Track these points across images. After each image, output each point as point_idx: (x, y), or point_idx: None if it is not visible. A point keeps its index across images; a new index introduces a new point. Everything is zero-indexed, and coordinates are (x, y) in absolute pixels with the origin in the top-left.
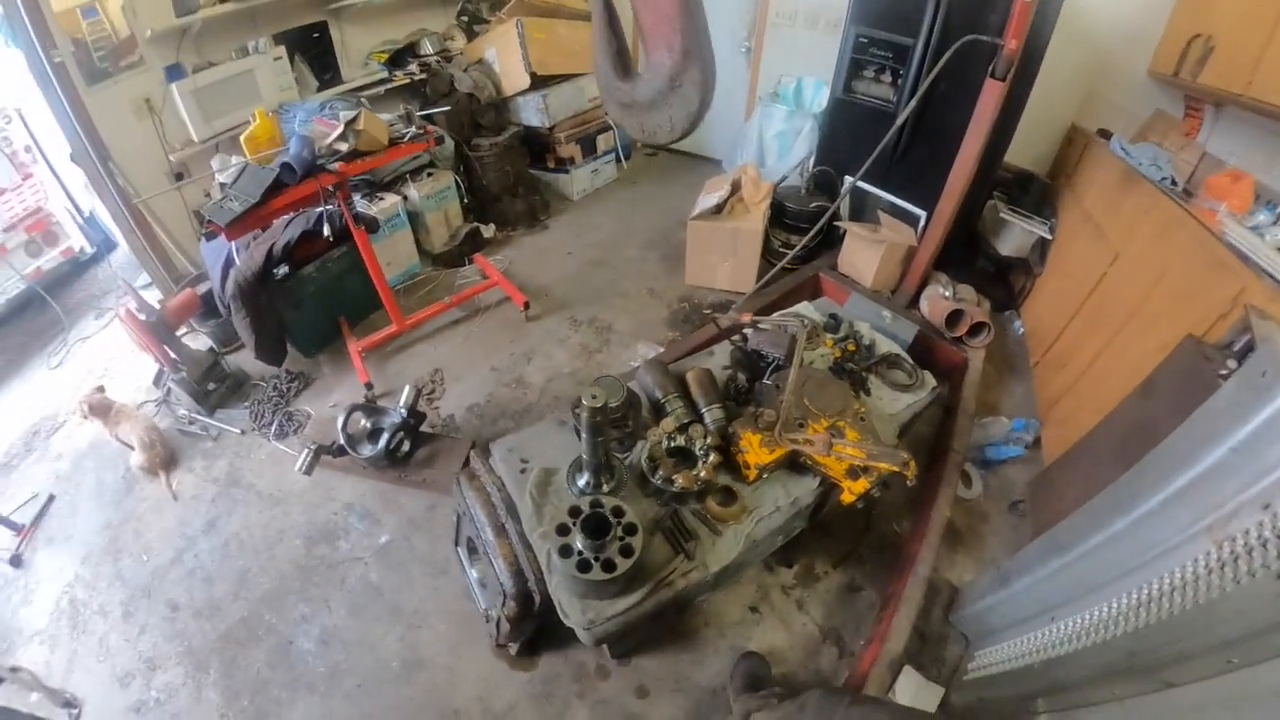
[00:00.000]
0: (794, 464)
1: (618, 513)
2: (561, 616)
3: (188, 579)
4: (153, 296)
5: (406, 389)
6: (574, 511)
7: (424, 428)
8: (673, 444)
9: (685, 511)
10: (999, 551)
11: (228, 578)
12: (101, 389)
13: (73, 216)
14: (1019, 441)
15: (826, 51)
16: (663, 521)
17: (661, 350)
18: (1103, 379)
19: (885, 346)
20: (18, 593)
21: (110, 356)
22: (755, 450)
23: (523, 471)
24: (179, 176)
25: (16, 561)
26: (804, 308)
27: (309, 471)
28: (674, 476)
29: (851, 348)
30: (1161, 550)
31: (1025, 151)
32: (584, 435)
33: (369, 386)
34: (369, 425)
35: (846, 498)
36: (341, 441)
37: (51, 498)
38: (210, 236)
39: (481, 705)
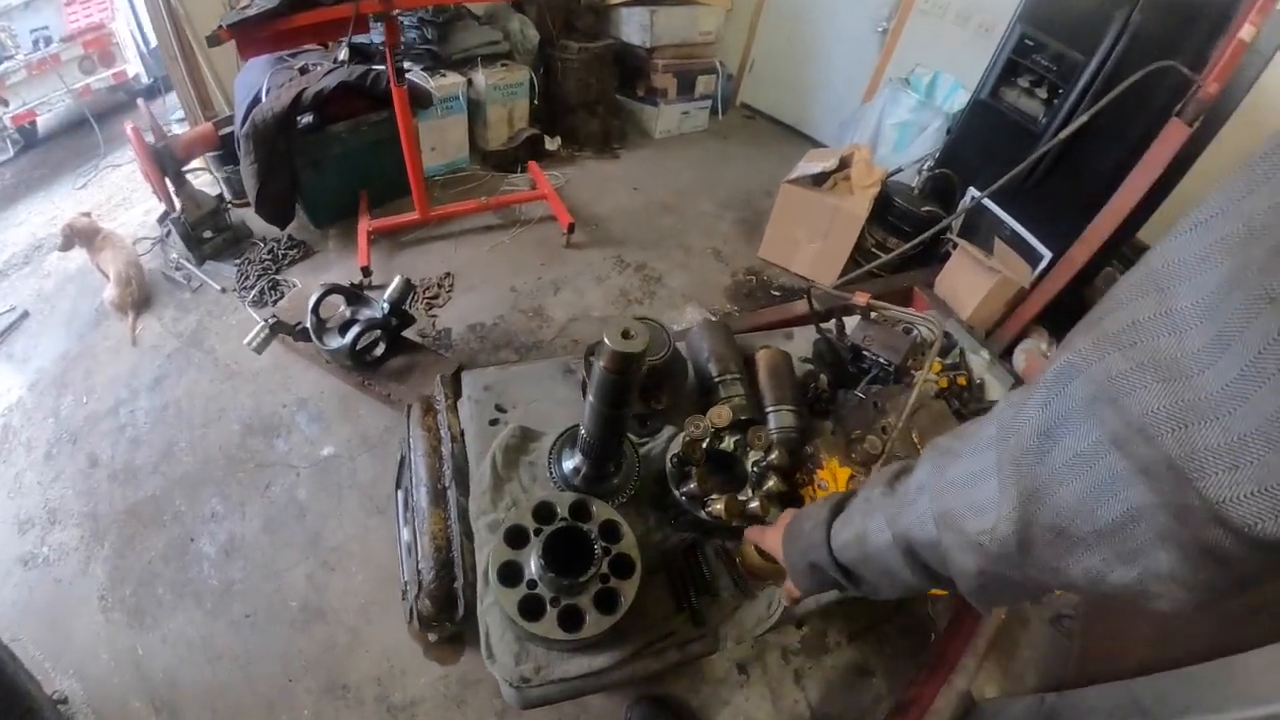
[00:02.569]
0: None
1: (610, 533)
2: (484, 655)
3: (116, 435)
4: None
5: (396, 280)
6: (542, 512)
7: (411, 334)
8: (719, 445)
9: (709, 549)
10: (1030, 669)
11: (155, 446)
12: (88, 214)
13: (136, 42)
14: None
15: (970, 53)
16: (672, 555)
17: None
18: None
19: (994, 392)
20: None
21: (133, 189)
22: (839, 490)
23: (494, 423)
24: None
25: None
26: (910, 316)
27: (259, 349)
28: (709, 496)
29: (962, 381)
30: None
31: (1157, 231)
32: (591, 397)
33: (366, 272)
34: (349, 313)
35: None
36: (308, 324)
37: (26, 314)
38: (214, 42)
39: (377, 688)
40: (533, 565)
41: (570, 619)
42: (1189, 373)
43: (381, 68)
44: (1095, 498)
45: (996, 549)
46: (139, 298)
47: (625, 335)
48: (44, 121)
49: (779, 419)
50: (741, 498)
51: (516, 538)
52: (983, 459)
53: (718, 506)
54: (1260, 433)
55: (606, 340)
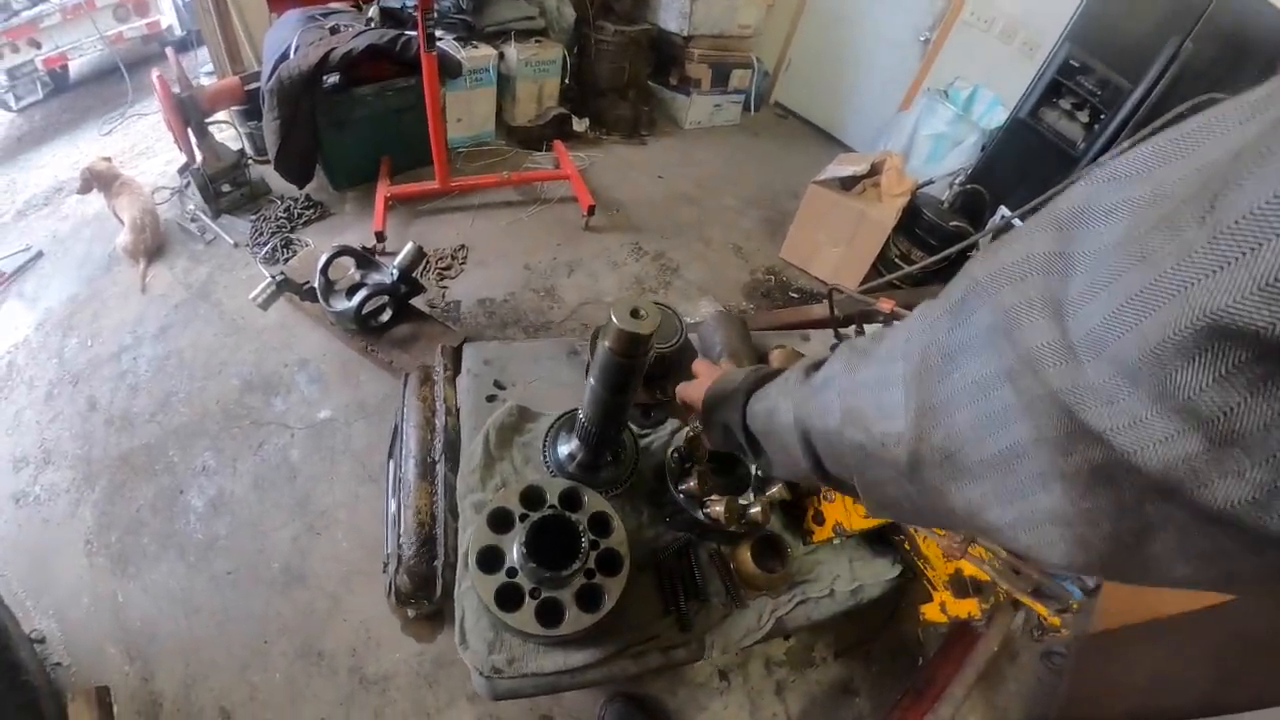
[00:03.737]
0: (876, 535)
1: (600, 526)
2: (457, 640)
3: (117, 381)
4: None
5: (408, 247)
6: (530, 497)
7: (419, 303)
8: None
9: (703, 552)
10: (1016, 703)
11: (154, 395)
12: (109, 159)
13: None
14: (1081, 582)
15: (1012, 70)
16: (664, 555)
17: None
18: None
19: None
20: None
21: (156, 138)
22: (845, 503)
23: (491, 399)
24: None
25: None
26: None
27: (265, 306)
28: (709, 497)
29: None
30: None
31: None
32: (592, 379)
33: (380, 237)
34: (358, 277)
35: (932, 613)
36: (315, 284)
37: (40, 254)
38: None
39: (352, 659)
40: (515, 552)
41: (549, 613)
42: (1070, 312)
43: (412, 33)
44: (985, 427)
45: (893, 455)
46: (152, 246)
47: (635, 314)
48: (75, 66)
49: None
50: (743, 501)
51: (501, 522)
52: (892, 368)
53: (717, 509)
54: (1124, 375)
55: (614, 318)
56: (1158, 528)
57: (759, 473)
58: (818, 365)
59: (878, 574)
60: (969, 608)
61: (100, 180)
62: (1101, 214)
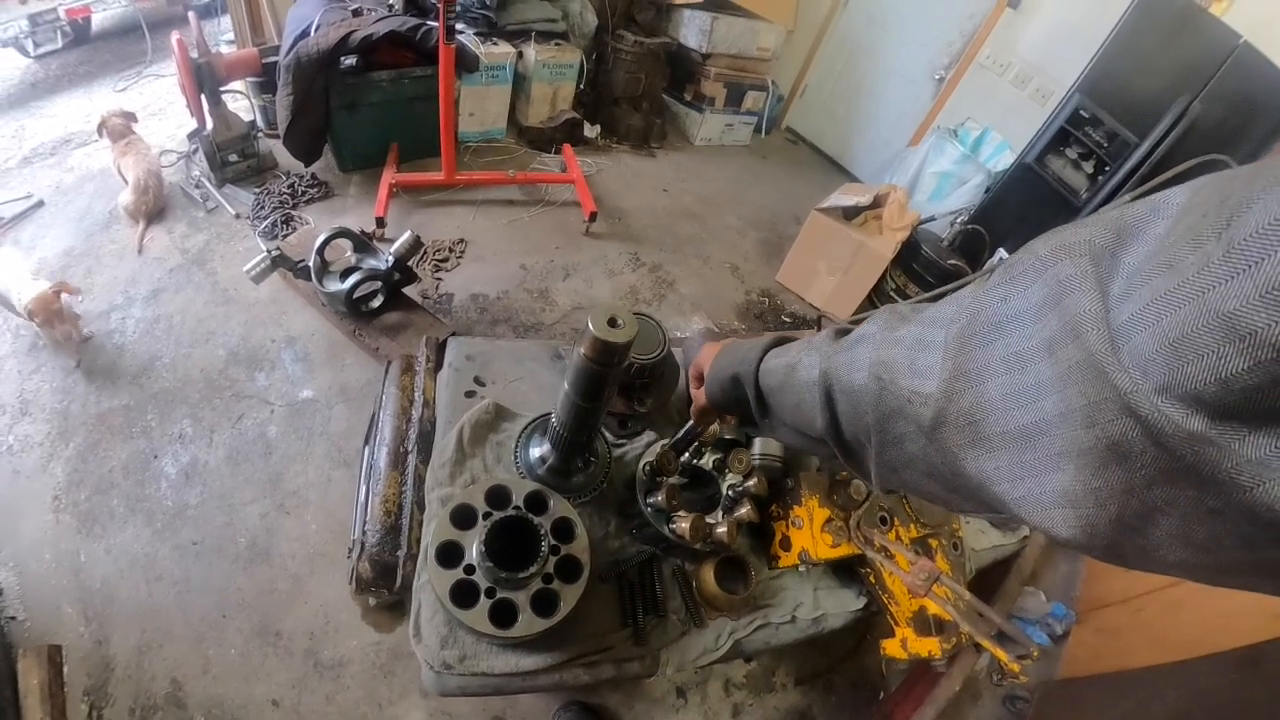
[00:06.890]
0: (842, 566)
1: (563, 532)
2: (410, 632)
3: (103, 339)
4: None
5: (406, 235)
6: (495, 496)
7: (412, 292)
8: (697, 461)
9: (666, 567)
10: None
11: (138, 357)
12: (129, 115)
13: None
14: (1049, 628)
15: (1023, 115)
16: (627, 566)
17: (717, 332)
18: (1179, 611)
19: None
20: None
21: (170, 101)
22: (813, 530)
23: (470, 395)
24: None
25: None
26: None
27: (258, 279)
28: (676, 513)
29: None
30: None
31: None
32: (567, 384)
33: (380, 223)
34: (353, 260)
35: (892, 649)
36: (310, 263)
37: (41, 203)
38: None
39: (309, 641)
40: (474, 550)
41: (503, 614)
42: (1112, 305)
43: (434, 24)
44: (1015, 399)
45: (917, 412)
46: (153, 208)
47: (612, 323)
48: (98, 20)
49: (765, 445)
50: (710, 520)
51: (464, 518)
52: (934, 333)
53: (683, 525)
54: (1163, 349)
55: (590, 326)
56: (1161, 512)
57: (730, 492)
58: (848, 330)
59: (842, 605)
60: (930, 646)
61: (111, 133)
62: (1156, 236)
